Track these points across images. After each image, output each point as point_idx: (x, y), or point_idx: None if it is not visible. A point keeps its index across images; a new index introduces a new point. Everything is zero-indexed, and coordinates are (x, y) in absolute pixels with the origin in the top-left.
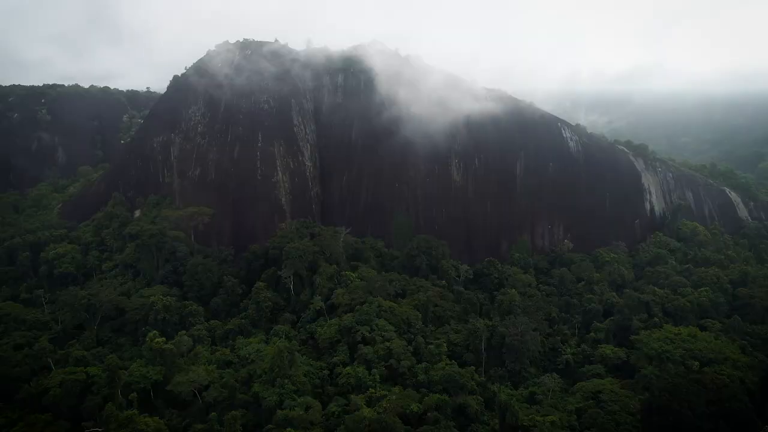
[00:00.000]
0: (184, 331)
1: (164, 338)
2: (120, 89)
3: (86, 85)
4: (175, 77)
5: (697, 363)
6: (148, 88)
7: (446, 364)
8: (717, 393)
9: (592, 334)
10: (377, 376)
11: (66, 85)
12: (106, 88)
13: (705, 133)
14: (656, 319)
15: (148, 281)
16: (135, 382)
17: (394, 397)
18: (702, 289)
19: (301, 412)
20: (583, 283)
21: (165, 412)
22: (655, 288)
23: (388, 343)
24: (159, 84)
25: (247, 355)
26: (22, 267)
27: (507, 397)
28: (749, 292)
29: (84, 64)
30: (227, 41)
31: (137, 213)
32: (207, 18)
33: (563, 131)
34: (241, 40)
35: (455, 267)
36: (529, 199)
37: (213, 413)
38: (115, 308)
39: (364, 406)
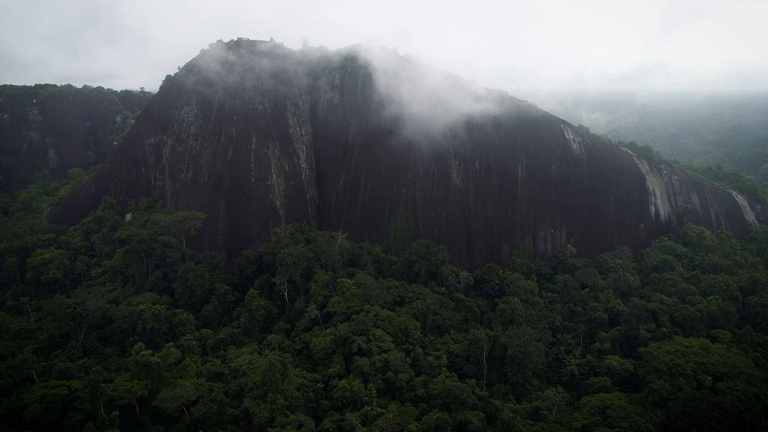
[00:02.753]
0: (171, 343)
1: (150, 351)
2: (114, 89)
3: (80, 86)
4: (168, 77)
5: (709, 378)
6: (142, 88)
7: (446, 377)
8: (739, 418)
9: (597, 344)
10: (374, 391)
11: (58, 84)
12: (99, 88)
13: (707, 133)
14: (665, 329)
15: (138, 288)
16: (119, 397)
17: (390, 415)
18: (711, 297)
19: (293, 431)
20: (587, 289)
21: (151, 428)
22: (663, 296)
23: (385, 355)
24: (156, 84)
25: (239, 367)
26: (9, 273)
27: (510, 414)
28: (760, 300)
29: (81, 64)
30: (221, 40)
31: (128, 217)
32: (207, 18)
33: (566, 132)
34: (235, 39)
35: (455, 273)
36: (530, 202)
37: (200, 431)
38: (103, 316)
39: (360, 425)
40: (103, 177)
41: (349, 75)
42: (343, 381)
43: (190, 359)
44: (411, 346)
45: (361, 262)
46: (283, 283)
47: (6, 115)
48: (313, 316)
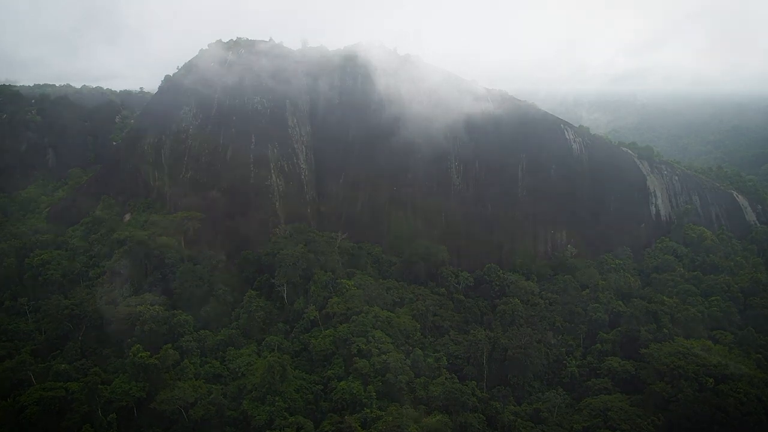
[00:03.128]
0: (170, 344)
1: (149, 352)
2: (113, 89)
3: (80, 86)
4: (167, 77)
5: (711, 380)
6: (141, 88)
7: (446, 379)
8: (741, 420)
9: (598, 345)
10: (373, 392)
11: (57, 84)
12: (98, 88)
13: (707, 134)
14: (666, 330)
15: (136, 289)
16: (117, 399)
17: (390, 417)
18: (712, 298)
19: None
20: (587, 290)
21: (149, 431)
22: (664, 297)
23: (384, 356)
24: (156, 84)
25: (238, 369)
26: (7, 273)
27: (511, 416)
28: (762, 301)
29: (80, 64)
30: (220, 40)
31: (127, 217)
32: (206, 18)
33: (566, 133)
34: (234, 39)
35: (455, 274)
36: (530, 202)
37: None
38: (101, 318)
39: (359, 427)
40: (102, 177)
41: (348, 75)
42: (342, 383)
43: (188, 361)
44: (411, 348)
45: (361, 262)
46: (283, 284)
47: (5, 116)
48: (312, 317)
